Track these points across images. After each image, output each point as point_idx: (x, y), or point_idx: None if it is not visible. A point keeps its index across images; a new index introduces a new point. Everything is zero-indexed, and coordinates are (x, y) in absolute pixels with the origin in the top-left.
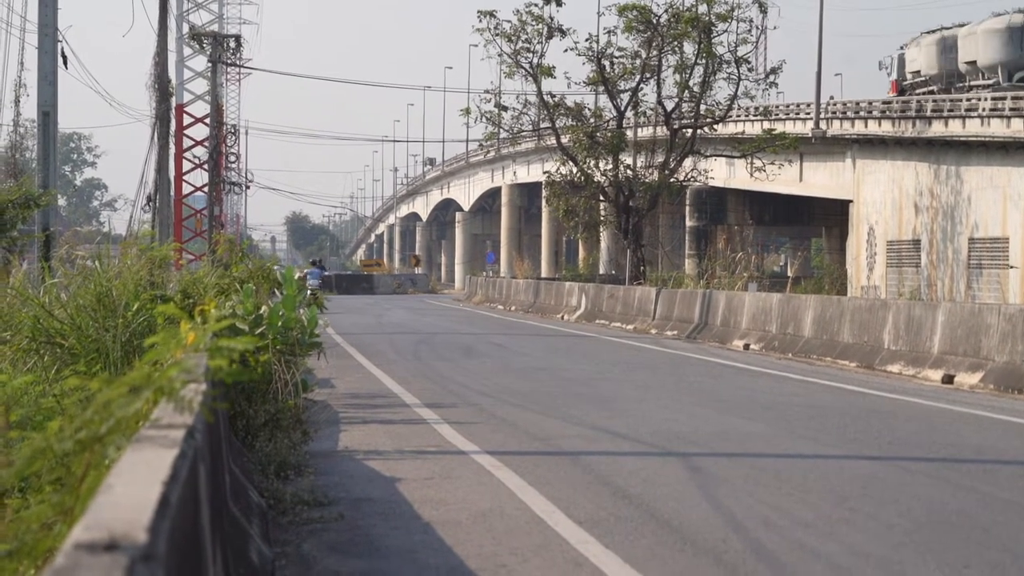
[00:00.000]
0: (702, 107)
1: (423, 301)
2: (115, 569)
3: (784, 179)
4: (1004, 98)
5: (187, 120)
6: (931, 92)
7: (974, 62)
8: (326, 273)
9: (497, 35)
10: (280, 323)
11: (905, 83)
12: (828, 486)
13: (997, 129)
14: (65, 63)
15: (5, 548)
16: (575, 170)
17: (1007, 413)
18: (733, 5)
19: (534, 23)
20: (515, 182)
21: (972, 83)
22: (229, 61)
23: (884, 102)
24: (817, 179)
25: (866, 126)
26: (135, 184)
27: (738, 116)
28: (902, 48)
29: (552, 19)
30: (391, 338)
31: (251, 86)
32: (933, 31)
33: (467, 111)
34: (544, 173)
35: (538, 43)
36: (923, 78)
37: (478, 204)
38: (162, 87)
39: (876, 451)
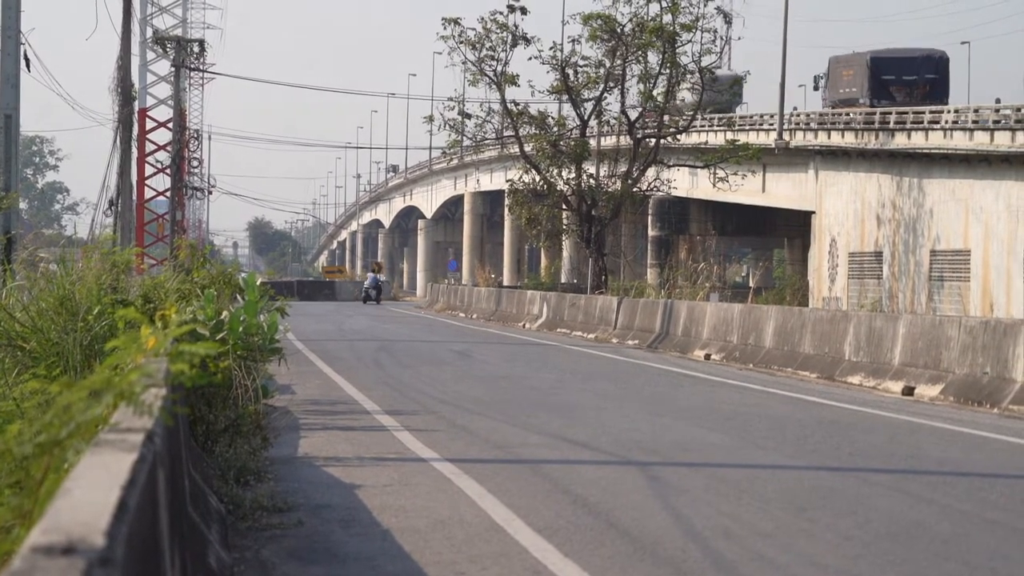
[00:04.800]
0: (665, 117)
1: (385, 308)
2: (72, 573)
3: (747, 190)
4: (967, 110)
5: (150, 124)
6: None
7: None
8: (382, 279)
9: (461, 43)
10: (241, 328)
11: None
12: (788, 497)
13: (960, 142)
14: (28, 66)
15: None
16: (538, 178)
17: (967, 425)
18: (697, 15)
19: (498, 31)
20: (478, 190)
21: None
22: (192, 66)
23: (847, 113)
24: (780, 190)
25: (829, 137)
26: (97, 188)
27: (701, 126)
28: None
29: (517, 27)
30: (352, 345)
31: (214, 91)
32: None
33: (430, 118)
34: (507, 181)
35: (502, 51)
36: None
37: (441, 212)
38: (125, 91)
39: (836, 462)
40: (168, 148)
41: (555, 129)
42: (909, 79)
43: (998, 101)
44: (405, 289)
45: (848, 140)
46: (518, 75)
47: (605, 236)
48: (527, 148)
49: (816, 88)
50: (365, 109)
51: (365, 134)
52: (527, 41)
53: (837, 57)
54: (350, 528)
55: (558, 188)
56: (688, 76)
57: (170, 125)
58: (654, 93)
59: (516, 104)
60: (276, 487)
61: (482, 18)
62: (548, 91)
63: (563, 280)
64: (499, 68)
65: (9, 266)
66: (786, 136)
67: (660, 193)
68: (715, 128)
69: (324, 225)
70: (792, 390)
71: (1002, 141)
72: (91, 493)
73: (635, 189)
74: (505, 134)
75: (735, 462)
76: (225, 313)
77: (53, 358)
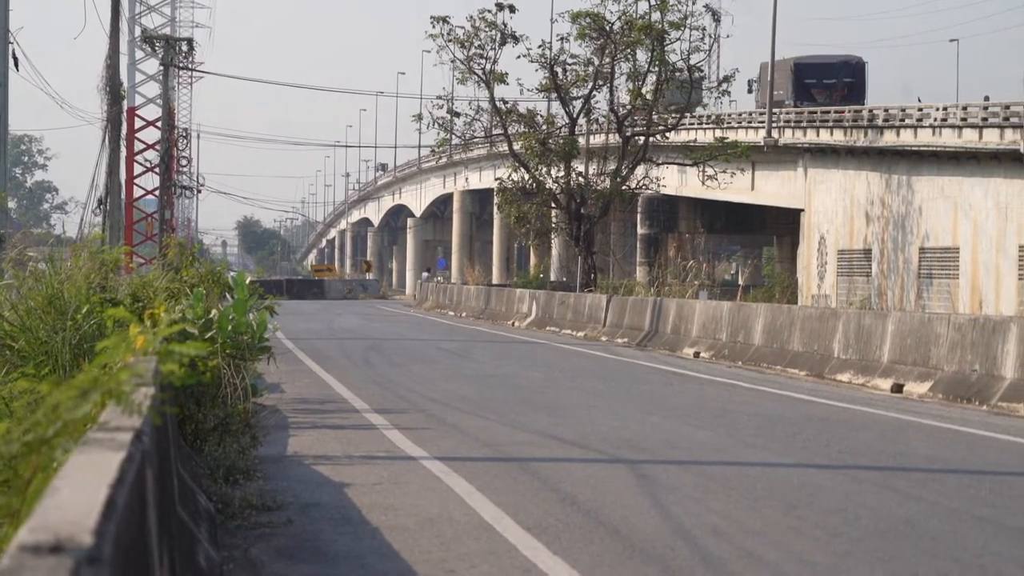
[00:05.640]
0: (654, 115)
1: (374, 307)
2: (59, 571)
3: (736, 187)
4: (955, 108)
5: (138, 123)
6: None
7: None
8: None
9: (450, 41)
10: (230, 327)
11: None
12: (776, 494)
13: (948, 139)
14: (16, 65)
15: None
16: (527, 177)
17: (956, 422)
18: (686, 13)
19: (487, 29)
20: (467, 188)
21: None
22: (181, 64)
23: (836, 111)
24: (769, 188)
25: (818, 135)
26: (86, 187)
27: (690, 124)
28: None
29: (505, 25)
30: (341, 343)
31: (203, 90)
32: None
33: (419, 117)
34: (496, 180)
35: (491, 49)
36: None
37: (430, 210)
38: (113, 90)
39: (825, 460)
40: (157, 147)
41: (544, 127)
42: (829, 82)
43: (987, 99)
44: (394, 287)
45: (837, 138)
46: (507, 73)
47: (594, 234)
48: (516, 146)
49: (750, 91)
50: (354, 108)
51: (354, 133)
52: (516, 39)
53: (766, 63)
54: (339, 526)
55: (547, 186)
56: (676, 74)
57: (159, 124)
58: (643, 91)
59: (505, 102)
60: (265, 486)
61: (471, 16)
62: (537, 89)
63: (552, 278)
64: (488, 66)
65: None
66: (775, 134)
67: (649, 191)
68: (704, 126)
69: (313, 224)
70: (781, 388)
71: (991, 138)
72: (79, 492)
73: (624, 187)
74: (494, 132)
75: (724, 460)
76: (214, 312)
77: (42, 357)
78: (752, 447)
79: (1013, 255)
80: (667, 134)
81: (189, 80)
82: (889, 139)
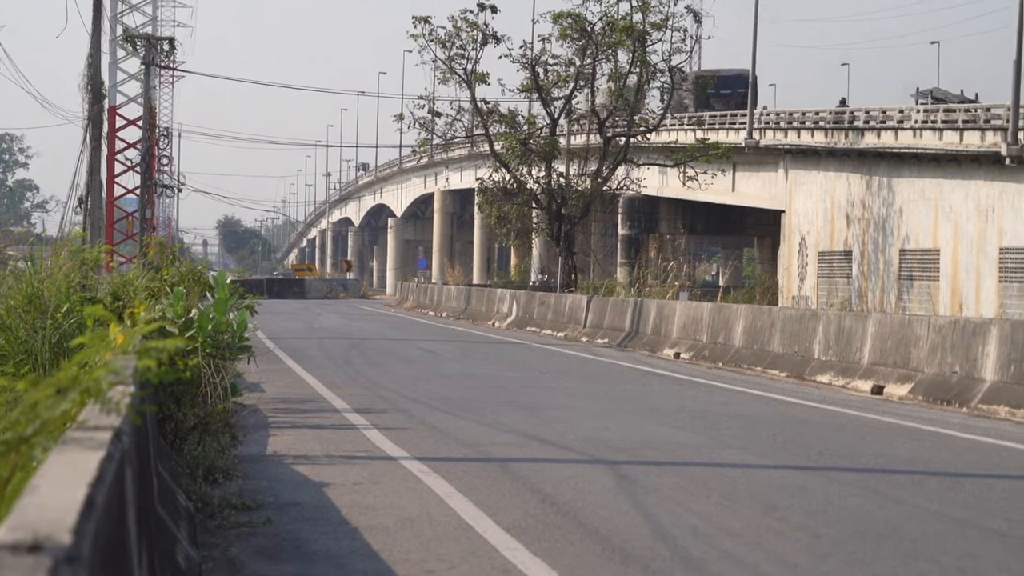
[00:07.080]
0: (636, 116)
1: (354, 306)
2: (38, 570)
3: (717, 188)
4: (936, 110)
5: (120, 122)
6: None
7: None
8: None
9: (432, 41)
10: (210, 326)
11: None
12: (757, 496)
13: (929, 141)
14: None
15: None
16: (508, 177)
17: (936, 424)
18: (668, 14)
19: (469, 30)
20: (448, 188)
21: None
22: (162, 63)
23: (816, 112)
24: (750, 189)
25: (799, 136)
26: (67, 186)
27: (671, 125)
28: None
29: (487, 26)
30: (322, 343)
31: (185, 89)
32: None
33: (401, 116)
34: (477, 180)
35: (472, 50)
36: None
37: (411, 210)
38: (95, 89)
39: (805, 461)
40: (138, 146)
41: (525, 128)
42: (725, 92)
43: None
44: (375, 287)
45: (818, 139)
46: (488, 73)
47: (575, 235)
48: (497, 147)
49: (662, 100)
50: (335, 107)
51: (336, 133)
52: (497, 40)
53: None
54: (319, 526)
55: (528, 187)
56: (658, 75)
57: (140, 123)
58: (624, 92)
59: (486, 102)
60: (245, 485)
61: (452, 17)
62: (518, 90)
63: (533, 279)
64: (469, 66)
65: None
66: (756, 135)
67: (630, 192)
68: (685, 127)
69: (294, 223)
70: (761, 389)
71: (972, 141)
72: (58, 491)
73: (605, 188)
74: (475, 133)
75: (704, 461)
76: (194, 311)
77: (21, 356)
78: (732, 448)
79: (993, 257)
80: (648, 135)
81: (170, 79)
82: (870, 141)
